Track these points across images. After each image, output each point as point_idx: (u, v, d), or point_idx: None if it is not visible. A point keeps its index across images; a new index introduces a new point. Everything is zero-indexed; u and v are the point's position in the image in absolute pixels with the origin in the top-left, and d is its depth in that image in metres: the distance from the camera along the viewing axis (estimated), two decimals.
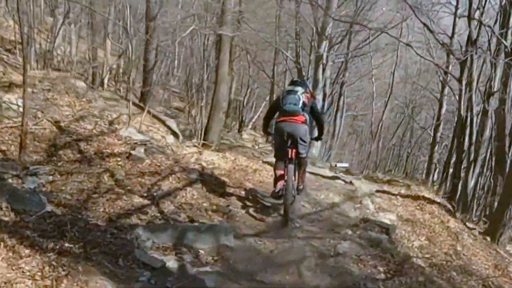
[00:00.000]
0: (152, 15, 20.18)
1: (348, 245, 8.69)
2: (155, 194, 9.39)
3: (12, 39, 19.85)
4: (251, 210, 9.74)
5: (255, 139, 34.09)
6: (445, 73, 26.02)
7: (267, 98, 34.39)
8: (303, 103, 9.08)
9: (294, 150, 9.10)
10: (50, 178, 9.24)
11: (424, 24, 18.68)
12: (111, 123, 13.06)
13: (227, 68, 17.33)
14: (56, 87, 14.54)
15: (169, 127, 15.74)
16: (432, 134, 30.21)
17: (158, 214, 8.65)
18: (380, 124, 29.78)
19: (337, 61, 25.86)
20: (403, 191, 14.10)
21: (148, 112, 15.64)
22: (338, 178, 14.65)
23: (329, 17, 20.16)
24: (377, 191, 13.56)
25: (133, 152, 10.93)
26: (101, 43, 24.67)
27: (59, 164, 10.07)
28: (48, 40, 20.56)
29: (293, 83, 9.83)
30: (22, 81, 13.50)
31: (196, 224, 8.38)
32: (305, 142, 9.20)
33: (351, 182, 14.01)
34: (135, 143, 11.72)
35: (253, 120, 39.00)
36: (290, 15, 25.69)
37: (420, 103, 34.54)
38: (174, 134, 15.60)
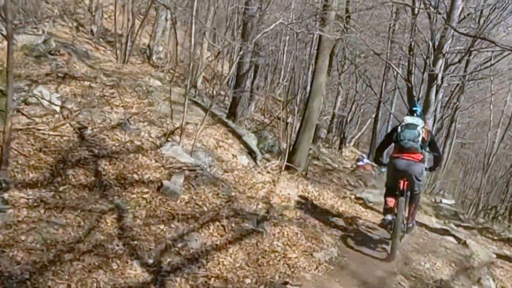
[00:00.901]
0: (251, 13, 16.77)
1: None
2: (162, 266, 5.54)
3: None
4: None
5: (355, 158, 30.11)
6: None
7: (373, 115, 30.20)
8: (422, 139, 7.96)
9: (406, 182, 8.10)
10: (20, 213, 5.61)
11: None
12: (165, 135, 9.34)
13: (324, 78, 13.45)
14: (124, 82, 11.45)
15: (245, 144, 11.91)
16: None
17: None
18: (493, 157, 24.67)
19: (452, 82, 21.34)
20: None
21: (223, 123, 12.02)
22: (448, 232, 10.55)
23: (451, 27, 15.82)
24: (498, 255, 9.92)
25: (166, 183, 7.12)
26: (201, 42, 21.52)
27: (60, 189, 6.48)
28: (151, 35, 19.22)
29: (412, 113, 8.48)
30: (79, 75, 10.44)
31: None
32: (420, 180, 8.17)
33: (464, 243, 9.77)
34: (179, 168, 7.96)
35: (356, 137, 34.89)
36: (405, 28, 21.44)
37: None
38: (251, 153, 11.80)
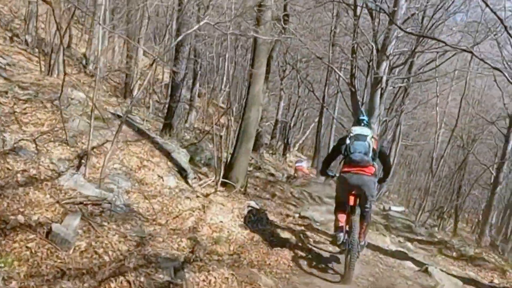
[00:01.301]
0: (186, 19, 15.22)
1: None
2: None
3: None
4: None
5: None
6: None
7: (316, 119, 28.88)
8: (373, 150, 7.32)
9: (358, 199, 7.41)
10: None
11: None
12: (78, 157, 7.64)
13: (262, 86, 11.80)
14: (42, 95, 9.70)
15: (175, 162, 10.27)
16: (494, 173, 23.97)
17: None
18: (440, 161, 23.37)
19: (397, 85, 20.05)
20: (496, 281, 9.32)
21: (149, 138, 10.36)
22: (406, 256, 9.22)
23: (396, 26, 14.59)
24: (464, 281, 8.60)
25: (56, 226, 5.42)
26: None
27: None
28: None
29: (359, 122, 7.84)
30: None
31: None
32: (373, 196, 7.49)
33: (426, 271, 8.35)
34: (79, 203, 6.22)
35: (300, 141, 33.56)
36: (347, 30, 20.15)
37: (480, 137, 27.86)
38: (181, 171, 10.15)
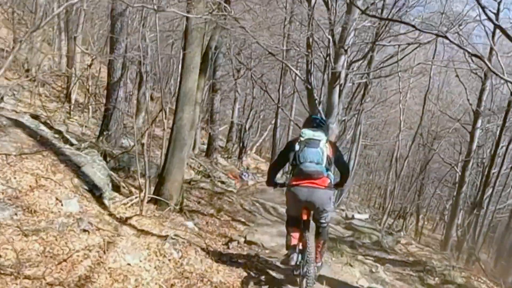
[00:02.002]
0: (119, 12, 13.20)
1: None
2: None
3: None
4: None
5: (257, 167, 26.30)
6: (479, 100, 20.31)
7: (273, 121, 26.49)
8: (327, 158, 5.87)
9: (311, 213, 6.10)
10: None
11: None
12: None
13: (195, 81, 9.10)
14: None
15: (85, 178, 7.75)
16: (460, 172, 21.85)
17: None
18: (404, 162, 20.92)
19: (356, 82, 17.69)
20: None
21: (54, 149, 7.86)
22: None
23: (357, 8, 12.46)
24: None
25: None
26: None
27: None
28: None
29: (311, 123, 6.18)
30: None
31: None
32: (328, 211, 6.07)
33: None
34: None
35: (257, 144, 31.14)
36: (301, 25, 17.82)
37: (445, 135, 25.57)
38: (93, 190, 7.63)
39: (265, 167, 27.91)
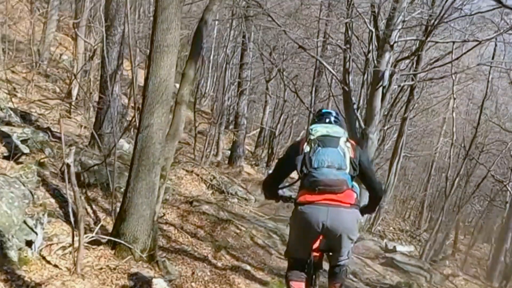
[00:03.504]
0: None
1: None
2: None
3: None
4: None
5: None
6: None
7: (306, 126, 22.97)
8: (351, 162, 3.62)
9: (327, 250, 3.87)
10: None
11: None
12: None
13: (172, 68, 5.48)
14: None
15: None
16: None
17: None
18: (456, 177, 16.64)
19: (403, 84, 13.93)
20: None
21: None
22: None
23: None
24: None
25: None
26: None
27: None
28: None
29: (322, 117, 3.94)
30: None
31: None
32: (352, 240, 3.65)
33: None
34: None
35: None
36: (340, 16, 14.24)
37: (489, 148, 21.32)
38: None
39: (294, 174, 24.23)
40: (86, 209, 6.81)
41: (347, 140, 3.74)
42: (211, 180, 12.34)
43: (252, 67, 20.22)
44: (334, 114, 4.01)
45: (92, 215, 6.82)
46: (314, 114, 4.56)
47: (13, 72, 13.16)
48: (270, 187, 4.19)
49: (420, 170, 31.24)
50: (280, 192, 4.18)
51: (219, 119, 16.95)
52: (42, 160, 7.85)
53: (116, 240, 5.57)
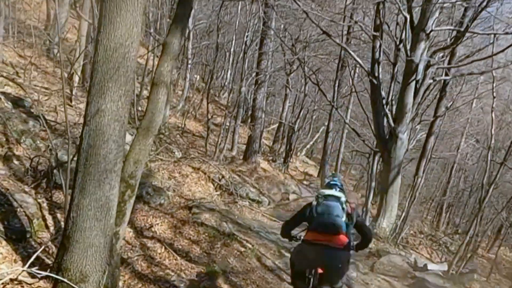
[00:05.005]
0: None
1: None
2: None
3: None
4: None
5: (306, 172, 20.56)
6: None
7: (326, 123, 20.88)
8: (348, 214, 4.49)
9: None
10: None
11: None
12: None
13: (133, 31, 3.43)
14: None
15: None
16: None
17: None
18: (490, 188, 14.04)
19: (439, 78, 11.68)
20: None
21: None
22: None
23: None
24: None
25: None
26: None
27: None
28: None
29: (330, 187, 4.75)
30: None
31: None
32: (343, 273, 4.43)
33: None
34: None
35: (308, 146, 25.34)
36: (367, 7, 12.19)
37: None
38: None
39: (314, 171, 22.15)
40: (43, 222, 4.88)
41: (347, 201, 4.46)
42: (220, 180, 10.29)
43: (273, 59, 18.12)
44: (339, 185, 4.74)
45: (44, 231, 4.84)
46: (325, 183, 4.96)
47: (20, 56, 11.79)
48: (286, 230, 4.67)
49: (439, 171, 28.89)
50: (293, 232, 4.67)
51: (234, 111, 14.93)
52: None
53: (58, 277, 3.58)
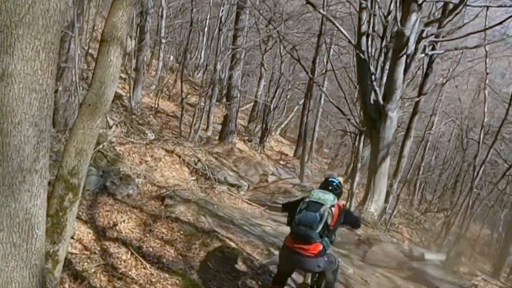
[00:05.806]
0: None
1: None
2: None
3: None
4: None
5: (281, 152, 19.37)
6: None
7: (301, 102, 19.77)
8: (326, 225, 4.37)
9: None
10: None
11: None
12: None
13: None
14: None
15: None
16: None
17: None
18: (480, 169, 12.74)
19: (431, 52, 10.50)
20: None
21: None
22: None
23: None
24: None
25: None
26: None
27: None
28: None
29: (326, 185, 4.70)
30: None
31: None
32: (331, 270, 4.60)
33: None
34: None
35: (282, 125, 24.13)
36: None
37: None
38: None
39: (289, 150, 21.00)
40: None
41: (332, 206, 4.37)
42: (196, 163, 8.99)
43: (247, 39, 16.75)
44: (335, 184, 4.68)
45: None
46: (323, 180, 4.89)
47: None
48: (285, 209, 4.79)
49: (414, 149, 28.15)
50: None
51: (209, 90, 13.63)
52: None
53: None
